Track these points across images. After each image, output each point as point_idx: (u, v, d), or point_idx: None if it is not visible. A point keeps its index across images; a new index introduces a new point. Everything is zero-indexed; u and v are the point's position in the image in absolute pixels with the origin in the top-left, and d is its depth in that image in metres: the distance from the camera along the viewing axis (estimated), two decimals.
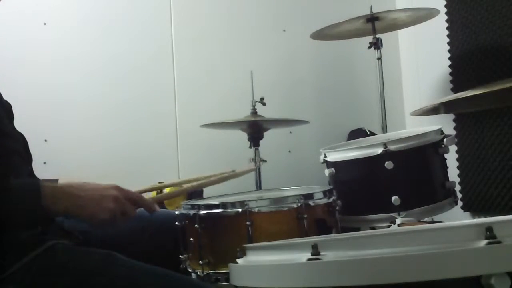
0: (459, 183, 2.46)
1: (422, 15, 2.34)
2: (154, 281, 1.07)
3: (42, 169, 1.37)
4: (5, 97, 1.26)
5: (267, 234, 1.31)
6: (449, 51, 2.57)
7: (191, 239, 1.38)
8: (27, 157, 1.27)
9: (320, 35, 2.42)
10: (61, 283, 1.04)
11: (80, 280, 1.04)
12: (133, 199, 1.17)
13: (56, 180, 1.13)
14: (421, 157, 1.76)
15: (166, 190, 2.01)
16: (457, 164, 2.49)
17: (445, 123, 2.19)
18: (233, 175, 1.40)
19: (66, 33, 2.41)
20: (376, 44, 2.35)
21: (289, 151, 2.78)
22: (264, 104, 2.29)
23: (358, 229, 1.74)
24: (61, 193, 1.08)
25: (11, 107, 1.29)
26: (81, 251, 1.13)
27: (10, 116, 1.28)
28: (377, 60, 2.37)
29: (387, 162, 1.65)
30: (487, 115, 2.35)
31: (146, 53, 2.55)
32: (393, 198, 1.65)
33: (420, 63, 2.89)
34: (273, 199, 1.41)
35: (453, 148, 2.22)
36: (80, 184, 1.12)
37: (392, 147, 1.67)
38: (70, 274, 1.05)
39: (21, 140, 1.26)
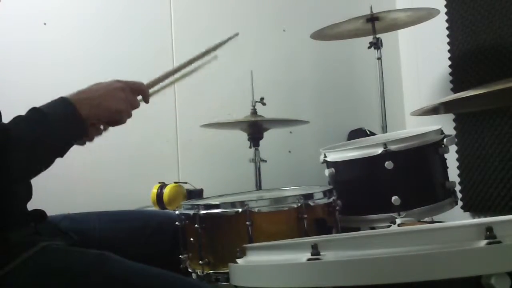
0: (459, 183, 2.46)
1: (422, 15, 2.34)
2: (148, 280, 1.06)
3: None
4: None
5: (267, 234, 1.31)
6: (449, 51, 2.57)
7: (191, 239, 1.38)
8: None
9: (320, 35, 2.41)
10: (53, 285, 1.02)
11: (72, 281, 1.03)
12: (135, 88, 1.26)
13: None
14: (421, 157, 1.76)
15: None
16: (457, 164, 2.49)
17: (445, 123, 2.19)
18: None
19: (66, 33, 2.41)
20: (376, 44, 2.34)
21: (289, 151, 2.78)
22: (264, 104, 2.29)
23: (358, 229, 1.74)
24: (77, 100, 1.15)
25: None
26: (73, 251, 1.12)
27: None
28: (377, 60, 2.37)
29: (387, 162, 1.65)
30: (487, 115, 2.35)
31: (146, 53, 2.54)
32: (393, 198, 1.65)
33: (420, 63, 2.89)
34: (273, 199, 1.41)
35: (453, 148, 2.22)
36: (86, 89, 1.19)
37: (392, 147, 1.67)
38: (62, 275, 1.04)
39: None
